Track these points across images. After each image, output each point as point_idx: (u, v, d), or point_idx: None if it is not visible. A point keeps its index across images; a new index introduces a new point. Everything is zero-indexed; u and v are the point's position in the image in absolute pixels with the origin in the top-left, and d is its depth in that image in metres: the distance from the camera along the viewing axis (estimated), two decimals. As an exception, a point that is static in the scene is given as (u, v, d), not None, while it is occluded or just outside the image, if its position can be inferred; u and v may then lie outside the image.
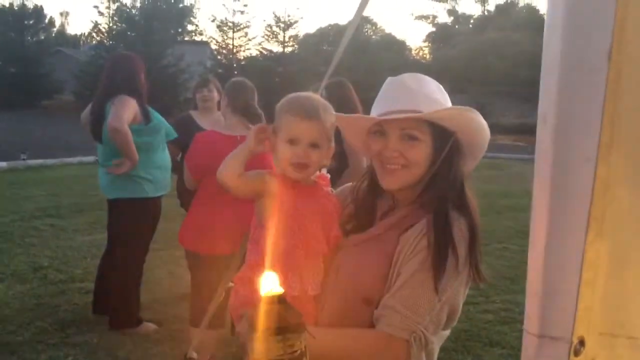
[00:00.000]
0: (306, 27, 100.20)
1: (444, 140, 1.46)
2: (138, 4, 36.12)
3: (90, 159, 13.65)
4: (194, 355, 3.32)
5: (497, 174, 12.09)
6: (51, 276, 5.32)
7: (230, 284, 1.95)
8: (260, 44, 34.74)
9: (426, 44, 56.16)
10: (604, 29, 0.78)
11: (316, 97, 1.59)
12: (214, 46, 36.83)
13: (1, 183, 10.27)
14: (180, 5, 43.43)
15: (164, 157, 4.24)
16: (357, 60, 28.80)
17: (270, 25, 33.86)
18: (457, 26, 51.56)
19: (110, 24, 34.78)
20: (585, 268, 0.82)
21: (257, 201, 1.57)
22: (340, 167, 3.73)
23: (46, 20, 38.31)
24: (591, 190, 0.81)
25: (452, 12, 54.71)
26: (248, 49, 35.27)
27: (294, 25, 33.82)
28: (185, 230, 3.48)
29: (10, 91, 30.02)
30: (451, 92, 1.58)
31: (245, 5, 35.04)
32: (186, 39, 44.42)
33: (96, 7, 34.26)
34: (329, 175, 1.67)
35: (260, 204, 1.55)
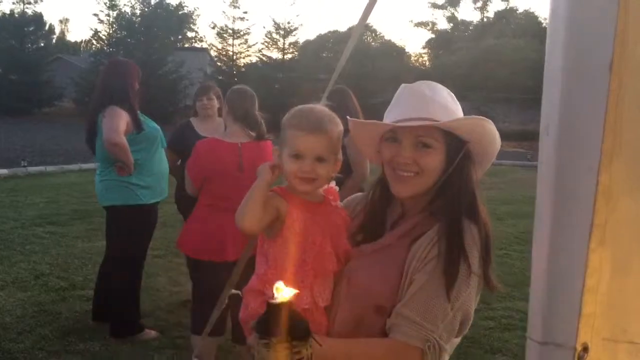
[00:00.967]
0: (306, 34, 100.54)
1: (457, 149, 1.47)
2: (138, 11, 36.23)
3: (91, 165, 13.67)
4: (196, 362, 3.33)
5: (497, 180, 12.10)
6: (52, 283, 5.32)
7: (233, 292, 1.96)
8: (260, 50, 34.85)
9: (425, 50, 56.30)
10: (605, 41, 0.80)
11: (322, 108, 1.57)
12: (213, 53, 36.92)
13: (1, 190, 10.27)
14: (180, 12, 43.54)
15: (160, 164, 4.25)
16: (357, 67, 28.83)
17: (270, 32, 33.96)
18: (456, 33, 51.67)
19: (110, 31, 34.86)
20: (589, 275, 0.83)
21: None
22: (342, 175, 3.73)
23: (46, 28, 38.31)
24: (593, 198, 0.82)
25: (451, 18, 54.84)
26: (248, 56, 35.39)
27: (294, 32, 33.91)
28: (186, 237, 3.49)
29: (10, 98, 30.02)
30: None
31: (245, 13, 35.26)
32: (186, 45, 44.50)
33: (96, 14, 34.34)
34: (337, 189, 1.67)
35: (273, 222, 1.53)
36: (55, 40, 42.92)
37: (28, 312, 4.62)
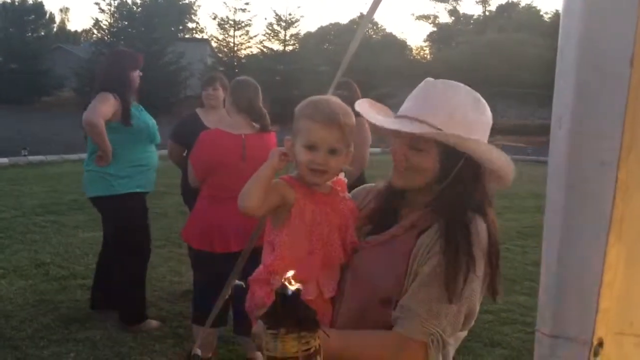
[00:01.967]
0: (307, 25, 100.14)
1: (453, 159, 1.44)
2: (139, 1, 36.09)
3: (91, 155, 13.66)
4: (198, 352, 3.34)
5: (497, 174, 12.04)
6: (53, 272, 5.33)
7: (236, 282, 1.96)
8: (261, 42, 34.74)
9: (427, 44, 56.20)
10: (626, 35, 0.79)
11: (336, 100, 1.56)
12: (214, 44, 36.83)
13: (2, 179, 10.27)
14: (181, 2, 43.38)
15: (144, 156, 4.22)
16: (358, 60, 28.77)
17: (271, 24, 33.82)
18: (458, 26, 51.55)
19: (111, 21, 34.73)
20: (606, 270, 0.83)
21: None
22: None
23: (46, 17, 38.19)
24: (612, 193, 0.81)
25: (453, 12, 54.75)
26: (249, 47, 35.29)
27: (295, 24, 33.77)
28: (190, 228, 3.49)
29: (10, 87, 29.97)
30: None
31: (246, 4, 34.93)
32: (187, 36, 44.36)
33: (97, 3, 34.18)
34: (346, 180, 1.67)
35: (277, 208, 1.53)
36: (56, 30, 42.75)
37: (29, 301, 4.63)
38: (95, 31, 36.63)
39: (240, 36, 34.67)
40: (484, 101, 1.49)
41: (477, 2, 54.46)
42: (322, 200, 1.54)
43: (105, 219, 4.31)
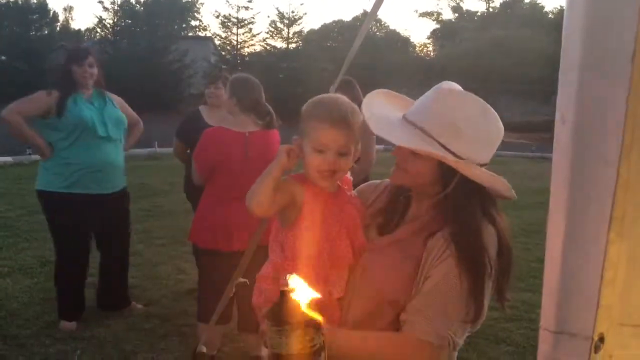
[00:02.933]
0: (310, 23, 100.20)
1: (453, 170, 1.41)
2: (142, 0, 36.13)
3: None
4: (204, 349, 3.35)
5: (501, 170, 12.02)
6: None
7: (241, 280, 1.97)
8: (264, 40, 34.77)
9: (430, 40, 56.10)
10: (628, 32, 0.79)
11: (345, 100, 1.54)
12: (217, 42, 36.84)
13: (7, 177, 10.30)
14: (184, 0, 43.39)
15: (81, 154, 4.00)
16: (361, 57, 28.75)
17: (274, 22, 33.89)
18: (461, 23, 51.42)
19: (115, 20, 34.78)
20: (607, 267, 0.83)
21: None
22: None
23: (50, 15, 38.26)
24: (613, 190, 0.82)
25: (456, 8, 54.60)
26: (252, 45, 35.31)
27: (298, 22, 33.82)
28: (194, 226, 3.49)
29: (14, 86, 30.04)
30: None
31: (249, 1, 35.03)
32: (190, 34, 44.36)
33: (101, 2, 34.22)
34: (352, 178, 1.66)
35: (286, 207, 1.52)
36: (59, 28, 42.76)
37: (34, 299, 4.65)
38: (98, 30, 36.67)
39: (243, 34, 34.73)
40: (493, 111, 1.42)
41: (480, -1, 54.39)
42: (330, 199, 1.53)
43: (44, 211, 4.20)
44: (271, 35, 34.18)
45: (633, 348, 0.90)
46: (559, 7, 46.14)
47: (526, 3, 51.76)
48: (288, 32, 33.66)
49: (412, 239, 1.49)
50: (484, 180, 1.41)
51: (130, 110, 4.45)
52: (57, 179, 4.00)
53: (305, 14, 48.46)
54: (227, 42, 35.09)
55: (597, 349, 0.84)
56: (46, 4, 36.51)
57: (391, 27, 44.39)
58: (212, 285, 3.26)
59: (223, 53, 34.85)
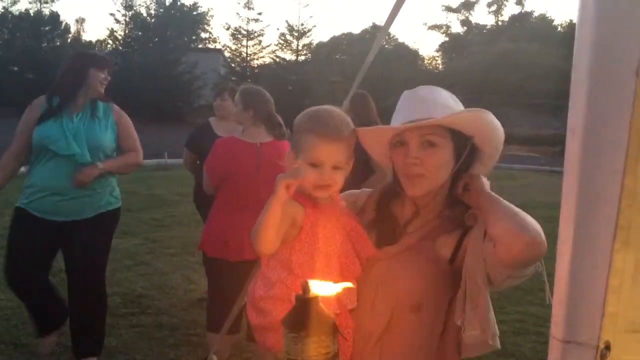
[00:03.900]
0: (319, 35, 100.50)
1: (463, 145, 1.50)
2: (153, 12, 36.49)
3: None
4: (214, 358, 3.38)
5: (510, 184, 12.04)
6: (65, 281, 5.37)
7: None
8: (273, 52, 35.02)
9: (439, 53, 56.20)
10: (633, 46, 0.82)
11: (337, 112, 1.54)
12: (227, 54, 37.10)
13: (13, 187, 10.35)
14: (194, 12, 43.75)
15: (39, 174, 3.56)
16: (371, 69, 28.76)
17: (283, 34, 34.17)
18: (470, 36, 51.55)
19: (126, 31, 35.13)
20: (612, 275, 0.85)
21: None
22: (365, 174, 3.77)
23: (62, 27, 38.66)
24: (618, 200, 0.84)
25: (465, 22, 54.74)
26: (262, 57, 35.58)
27: (308, 34, 34.08)
28: (205, 235, 3.52)
29: (26, 96, 30.25)
30: (463, 102, 1.60)
31: (259, 14, 35.29)
32: (200, 46, 44.70)
33: (112, 14, 34.65)
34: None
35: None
36: (71, 40, 43.19)
37: (45, 308, 4.68)
38: (110, 41, 37.05)
39: (253, 46, 35.05)
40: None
41: (489, 12, 54.46)
42: (327, 211, 1.52)
43: None
44: (281, 48, 34.49)
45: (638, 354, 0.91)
46: (568, 21, 46.19)
47: (535, 17, 51.84)
48: (297, 45, 33.93)
49: (420, 245, 1.51)
50: (479, 121, 1.48)
51: (133, 136, 3.78)
52: (21, 196, 3.62)
53: (315, 26, 48.77)
54: (237, 54, 35.41)
55: (603, 357, 0.86)
56: (58, 16, 36.97)
57: (400, 40, 44.51)
58: (221, 294, 3.28)
59: (233, 65, 35.13)
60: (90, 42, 43.66)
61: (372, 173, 3.89)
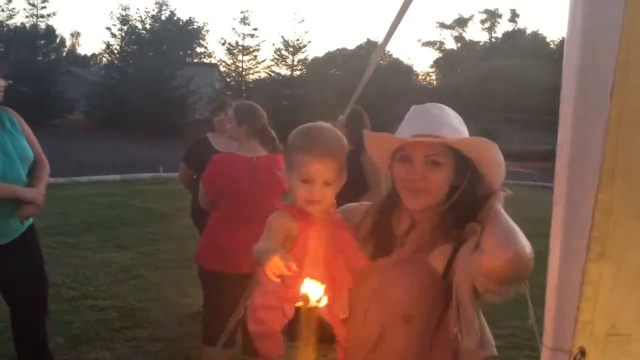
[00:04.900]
0: (315, 51, 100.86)
1: (464, 167, 1.54)
2: (149, 26, 36.58)
3: (100, 178, 13.80)
4: (210, 371, 3.37)
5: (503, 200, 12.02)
6: (63, 293, 5.38)
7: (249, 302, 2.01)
8: (269, 67, 35.10)
9: (433, 69, 56.43)
10: (608, 68, 0.87)
11: (330, 129, 1.60)
12: (223, 68, 37.19)
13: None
14: (190, 27, 43.91)
15: None
16: (365, 85, 28.92)
17: (279, 49, 34.23)
18: (464, 52, 51.82)
19: (122, 45, 35.20)
20: (586, 284, 0.90)
21: None
22: (360, 189, 3.80)
23: (57, 41, 38.68)
24: (591, 214, 0.89)
25: (459, 38, 55.05)
26: (257, 72, 35.66)
27: (303, 50, 34.18)
28: (201, 249, 3.54)
29: (21, 110, 30.11)
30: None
31: (255, 29, 35.36)
32: (195, 60, 44.81)
33: (108, 28, 34.73)
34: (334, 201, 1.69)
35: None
36: (66, 54, 43.26)
37: (40, 321, 4.67)
38: (106, 55, 37.11)
39: (248, 61, 35.13)
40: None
41: (482, 29, 54.76)
42: (321, 225, 1.56)
43: None
44: (276, 63, 34.54)
45: (619, 355, 0.95)
46: (561, 38, 46.53)
47: (528, 34, 52.23)
48: (293, 60, 34.02)
49: (414, 257, 1.55)
50: (484, 150, 1.51)
51: (37, 143, 3.39)
52: None
53: (310, 42, 48.84)
54: (233, 68, 35.46)
55: (578, 362, 0.90)
56: (54, 30, 36.94)
57: (394, 56, 44.60)
58: (217, 308, 3.29)
59: (228, 79, 35.18)
60: (85, 55, 43.72)
61: (365, 189, 3.92)
